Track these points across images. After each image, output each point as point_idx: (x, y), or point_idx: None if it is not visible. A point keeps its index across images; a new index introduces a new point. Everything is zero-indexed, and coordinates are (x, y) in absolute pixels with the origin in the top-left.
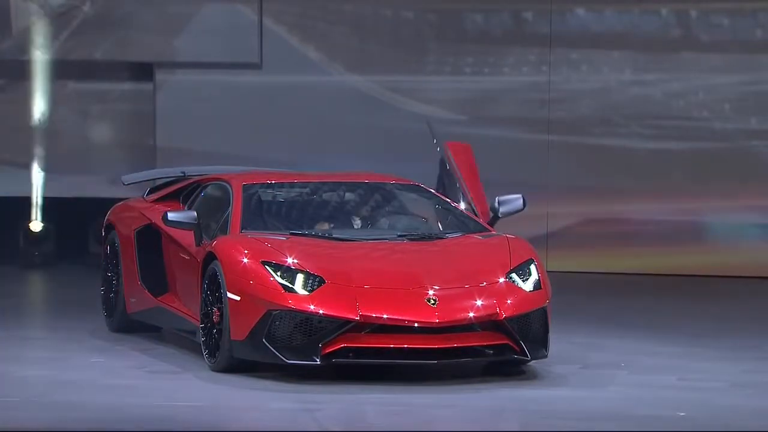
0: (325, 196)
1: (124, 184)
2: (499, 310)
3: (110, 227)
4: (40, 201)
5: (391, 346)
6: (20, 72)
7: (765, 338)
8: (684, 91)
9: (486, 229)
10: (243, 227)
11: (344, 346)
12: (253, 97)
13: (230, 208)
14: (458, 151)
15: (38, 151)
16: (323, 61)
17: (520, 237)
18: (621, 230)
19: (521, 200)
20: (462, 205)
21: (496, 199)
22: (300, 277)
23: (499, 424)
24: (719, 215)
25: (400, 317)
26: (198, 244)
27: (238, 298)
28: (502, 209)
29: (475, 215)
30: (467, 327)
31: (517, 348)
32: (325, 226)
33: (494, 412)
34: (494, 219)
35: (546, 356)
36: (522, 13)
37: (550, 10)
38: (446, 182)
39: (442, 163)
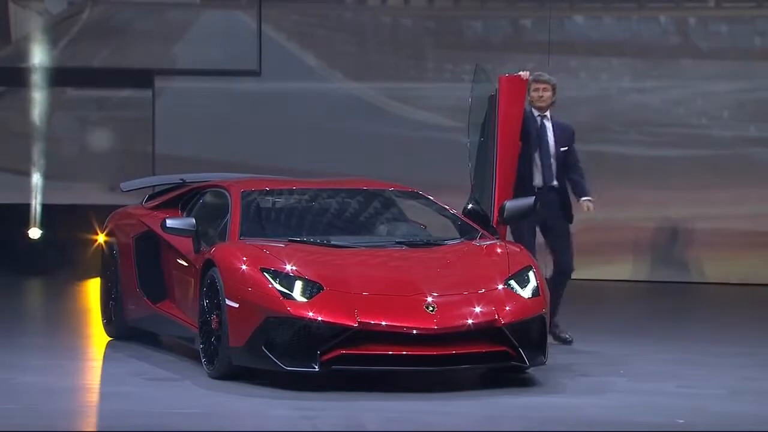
0: (324, 203)
1: (122, 191)
2: (498, 316)
3: (109, 234)
4: (38, 208)
5: (390, 353)
6: (19, 79)
7: (764, 345)
8: (683, 99)
9: (485, 235)
10: (242, 234)
11: (343, 353)
12: (252, 104)
13: (229, 215)
14: (510, 89)
15: (37, 158)
16: (322, 68)
17: (518, 244)
18: (619, 237)
19: (530, 202)
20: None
21: (505, 203)
22: (298, 284)
23: (497, 431)
24: (718, 222)
25: (398, 324)
26: (196, 251)
27: (236, 305)
28: (507, 211)
29: (486, 212)
30: (466, 334)
31: (515, 355)
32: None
33: (493, 419)
34: (500, 220)
35: (544, 363)
36: (521, 20)
37: (549, 18)
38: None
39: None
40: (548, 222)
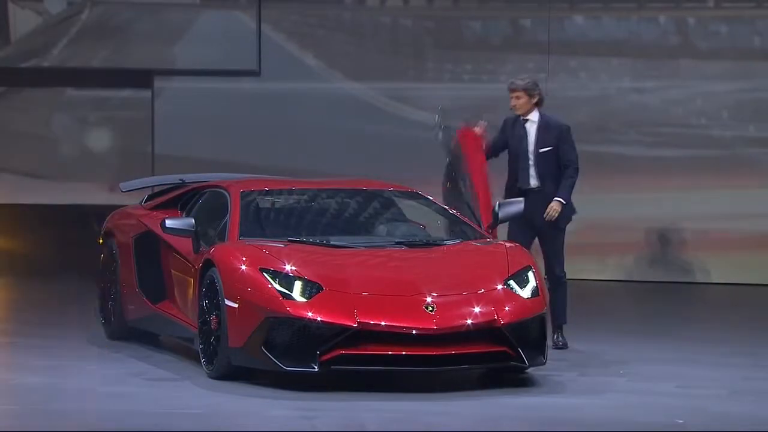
0: (324, 203)
1: (122, 191)
2: (497, 317)
3: (108, 234)
4: (38, 208)
5: (389, 353)
6: (19, 79)
7: (764, 345)
8: (682, 99)
9: (484, 236)
10: (241, 234)
11: (342, 353)
12: (251, 105)
13: (228, 215)
14: (469, 142)
15: (36, 158)
16: (321, 68)
17: (518, 244)
18: (619, 237)
19: (522, 204)
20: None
21: (497, 203)
22: (298, 284)
23: (497, 431)
24: (718, 222)
25: (398, 324)
26: (196, 252)
27: (236, 305)
28: (501, 213)
29: (477, 222)
30: (465, 334)
31: (515, 355)
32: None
33: (492, 419)
34: (494, 223)
35: (544, 363)
36: (520, 20)
37: (549, 18)
38: (453, 178)
39: (453, 157)
40: (540, 227)
